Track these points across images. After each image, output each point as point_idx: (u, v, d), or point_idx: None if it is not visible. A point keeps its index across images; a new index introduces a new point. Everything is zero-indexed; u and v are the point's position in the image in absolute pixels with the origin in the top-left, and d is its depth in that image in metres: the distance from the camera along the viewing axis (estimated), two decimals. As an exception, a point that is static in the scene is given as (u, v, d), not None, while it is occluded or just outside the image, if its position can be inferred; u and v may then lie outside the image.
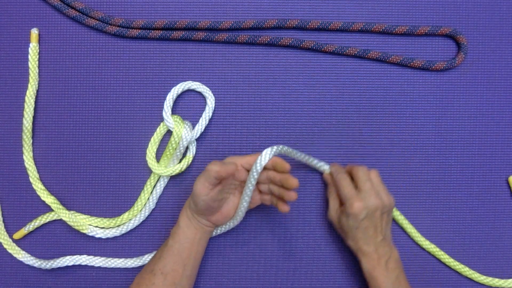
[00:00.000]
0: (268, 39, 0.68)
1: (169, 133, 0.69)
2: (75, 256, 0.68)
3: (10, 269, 0.69)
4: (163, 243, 0.65)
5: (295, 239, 0.70)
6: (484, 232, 0.71)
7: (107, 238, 0.69)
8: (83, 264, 0.68)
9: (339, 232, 0.67)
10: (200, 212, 0.62)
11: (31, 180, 0.68)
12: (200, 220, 0.63)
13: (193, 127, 0.68)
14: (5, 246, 0.68)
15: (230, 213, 0.64)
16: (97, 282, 0.69)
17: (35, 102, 0.69)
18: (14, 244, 0.68)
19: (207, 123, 0.68)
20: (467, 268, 0.69)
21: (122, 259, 0.69)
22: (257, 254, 0.70)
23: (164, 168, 0.67)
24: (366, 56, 0.69)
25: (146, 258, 0.68)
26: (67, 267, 0.69)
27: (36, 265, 0.67)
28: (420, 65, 0.69)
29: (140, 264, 0.68)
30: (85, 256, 0.68)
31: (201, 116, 0.68)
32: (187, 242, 0.63)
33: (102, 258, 0.69)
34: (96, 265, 0.68)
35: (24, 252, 0.68)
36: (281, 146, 0.60)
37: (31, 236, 0.69)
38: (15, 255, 0.68)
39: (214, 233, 0.67)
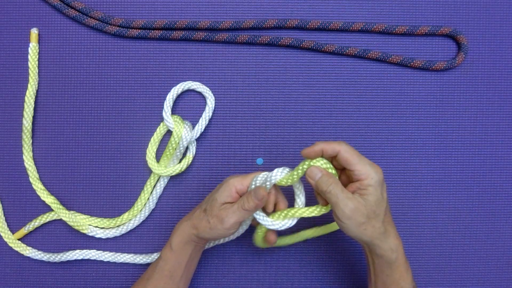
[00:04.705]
0: (268, 39, 0.68)
1: (169, 133, 0.69)
2: (84, 250, 0.68)
3: (16, 267, 0.69)
4: (153, 262, 0.63)
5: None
6: (484, 232, 0.71)
7: (107, 238, 0.69)
8: (92, 258, 0.68)
9: (365, 235, 0.54)
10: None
11: (31, 180, 0.68)
12: (199, 242, 0.60)
13: (193, 127, 0.68)
14: (10, 245, 0.68)
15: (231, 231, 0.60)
16: (100, 279, 0.69)
17: (35, 102, 0.69)
18: (20, 242, 0.68)
19: (207, 123, 0.68)
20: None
21: (131, 255, 0.69)
22: (256, 254, 0.70)
23: (164, 168, 0.67)
24: (366, 56, 0.69)
25: (155, 256, 0.68)
26: (73, 264, 0.69)
27: (44, 258, 0.67)
28: (420, 65, 0.69)
29: (148, 261, 0.68)
30: (94, 250, 0.68)
31: (201, 116, 0.68)
32: (180, 263, 0.60)
33: (111, 253, 0.68)
34: (105, 260, 0.68)
35: (31, 248, 0.68)
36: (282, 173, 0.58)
37: (31, 236, 0.69)
38: (21, 252, 0.68)
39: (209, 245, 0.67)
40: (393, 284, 0.56)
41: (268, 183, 0.57)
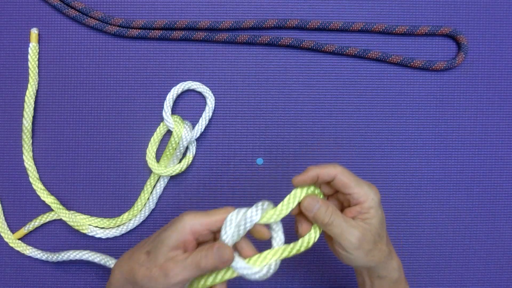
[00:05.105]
0: (268, 39, 0.68)
1: (169, 133, 0.69)
2: (85, 251, 0.67)
3: (16, 267, 0.69)
4: None
5: (296, 238, 0.70)
6: (484, 232, 0.71)
7: (107, 238, 0.69)
8: (90, 258, 0.67)
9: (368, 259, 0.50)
10: None
11: (31, 180, 0.68)
12: None
13: (193, 127, 0.68)
14: (10, 245, 0.68)
15: None
16: (100, 280, 0.69)
17: (35, 102, 0.69)
18: (20, 242, 0.68)
19: (207, 123, 0.68)
20: None
21: None
22: (257, 254, 0.70)
23: (164, 168, 0.67)
24: (366, 56, 0.69)
25: None
26: (73, 265, 0.69)
27: (44, 258, 0.67)
28: (420, 65, 0.69)
29: None
30: (94, 252, 0.67)
31: (201, 116, 0.68)
32: None
33: (104, 256, 0.68)
34: (98, 262, 0.68)
35: (31, 247, 0.68)
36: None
37: (31, 236, 0.69)
38: (22, 252, 0.68)
39: None
40: None
41: (248, 224, 0.47)
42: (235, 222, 0.46)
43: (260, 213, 0.47)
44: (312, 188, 0.50)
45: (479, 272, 0.70)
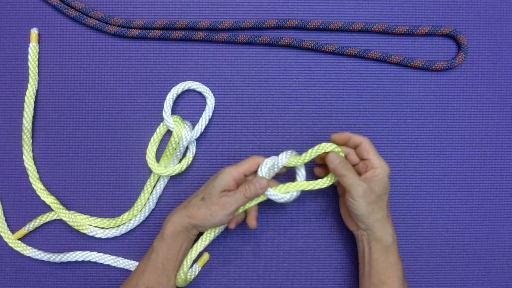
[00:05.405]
0: (268, 39, 0.68)
1: (169, 133, 0.69)
2: (85, 252, 0.68)
3: (16, 267, 0.69)
4: (145, 256, 0.63)
5: (295, 239, 0.70)
6: (484, 232, 0.71)
7: (107, 238, 0.69)
8: (92, 260, 0.68)
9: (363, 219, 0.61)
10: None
11: (31, 180, 0.68)
12: (192, 231, 0.62)
13: (193, 127, 0.68)
14: (10, 245, 0.68)
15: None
16: (100, 280, 0.69)
17: (35, 102, 0.69)
18: (20, 242, 0.68)
19: (207, 123, 0.68)
20: None
21: (132, 261, 0.69)
22: (257, 254, 0.70)
23: (164, 168, 0.67)
24: (366, 56, 0.69)
25: None
26: (73, 265, 0.69)
27: (45, 258, 0.67)
28: (420, 65, 0.69)
29: None
30: (95, 252, 0.68)
31: (201, 116, 0.68)
32: (172, 254, 0.61)
33: (112, 257, 0.68)
34: (106, 263, 0.68)
35: (31, 248, 0.68)
36: (289, 152, 0.63)
37: (31, 236, 0.69)
38: (22, 252, 0.68)
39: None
40: (386, 270, 0.60)
41: (276, 166, 0.62)
42: (269, 164, 0.62)
43: (285, 159, 0.62)
44: (334, 146, 0.62)
45: (479, 272, 0.70)
